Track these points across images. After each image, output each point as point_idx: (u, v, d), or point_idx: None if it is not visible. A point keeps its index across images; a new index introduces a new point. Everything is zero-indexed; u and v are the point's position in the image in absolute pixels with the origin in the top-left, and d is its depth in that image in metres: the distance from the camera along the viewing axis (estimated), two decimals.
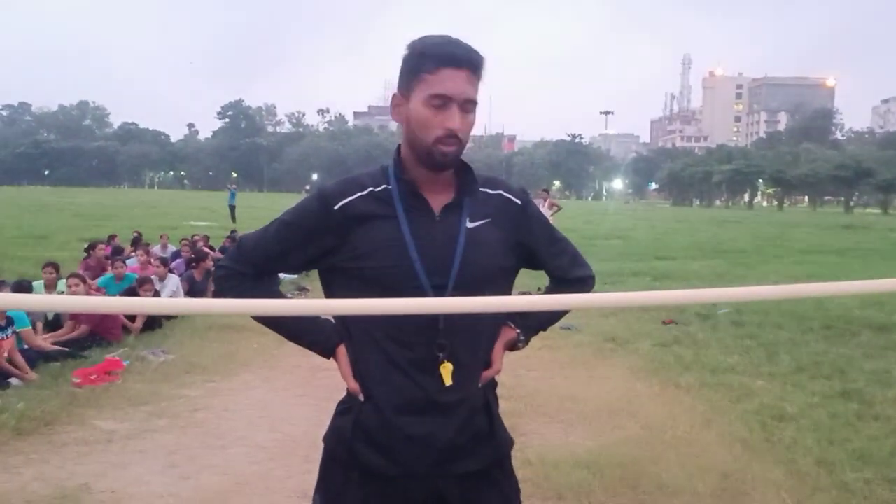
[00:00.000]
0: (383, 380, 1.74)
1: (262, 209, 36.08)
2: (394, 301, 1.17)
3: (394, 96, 1.78)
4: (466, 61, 1.69)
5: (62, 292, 8.03)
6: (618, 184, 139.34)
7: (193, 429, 5.10)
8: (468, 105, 1.70)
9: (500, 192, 1.85)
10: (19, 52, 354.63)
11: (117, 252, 11.20)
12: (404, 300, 1.24)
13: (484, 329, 1.81)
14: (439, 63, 1.67)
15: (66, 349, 6.93)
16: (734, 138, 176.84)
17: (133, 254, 11.33)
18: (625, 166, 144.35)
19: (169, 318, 8.45)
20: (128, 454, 4.60)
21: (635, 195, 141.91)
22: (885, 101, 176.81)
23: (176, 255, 12.60)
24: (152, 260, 10.32)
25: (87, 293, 7.70)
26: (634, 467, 4.32)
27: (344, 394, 1.84)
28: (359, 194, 1.76)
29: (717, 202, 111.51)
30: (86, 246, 12.18)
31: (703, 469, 4.32)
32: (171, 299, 0.94)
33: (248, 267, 1.83)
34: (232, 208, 32.17)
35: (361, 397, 1.76)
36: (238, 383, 6.26)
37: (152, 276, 9.23)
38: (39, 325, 7.65)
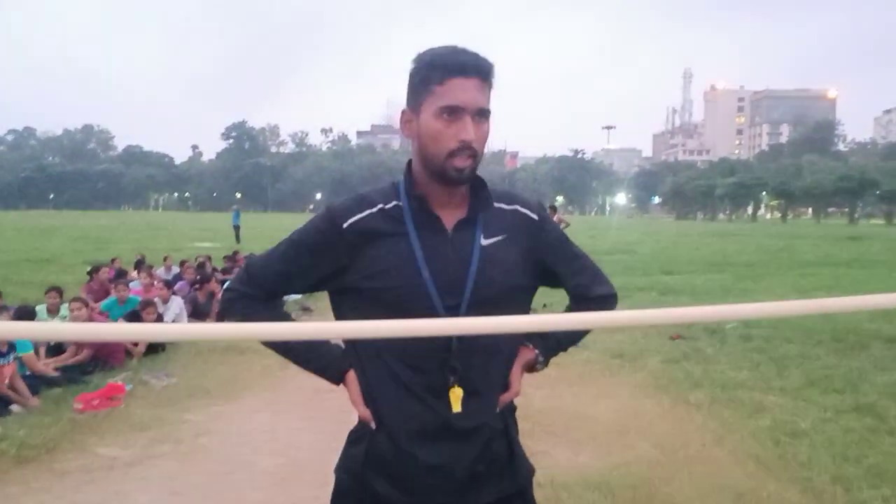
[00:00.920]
0: (396, 406, 1.67)
1: (267, 229, 36.12)
2: (404, 322, 1.10)
3: (403, 112, 1.72)
4: (475, 69, 1.62)
5: (65, 317, 7.98)
6: (621, 198, 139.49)
7: (197, 455, 5.02)
8: (481, 114, 1.63)
9: (516, 206, 1.78)
10: (24, 77, 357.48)
11: (120, 275, 11.15)
12: (415, 321, 1.17)
13: (500, 350, 1.73)
14: (447, 73, 1.61)
15: (69, 374, 6.87)
16: (736, 151, 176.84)
17: (136, 276, 11.29)
18: (627, 181, 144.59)
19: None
20: (130, 482, 4.52)
21: (638, 209, 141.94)
22: (888, 112, 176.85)
23: (178, 276, 12.55)
24: (155, 282, 10.28)
25: (90, 317, 7.64)
26: (646, 488, 4.23)
27: (354, 421, 1.77)
28: (368, 212, 1.69)
29: (721, 215, 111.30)
30: (89, 269, 12.14)
31: (717, 489, 4.23)
32: (176, 325, 0.90)
33: (256, 289, 1.78)
34: (236, 228, 32.20)
35: (373, 425, 1.70)
36: (242, 407, 6.18)
37: (155, 299, 9.19)
38: (42, 350, 7.59)
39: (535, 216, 1.78)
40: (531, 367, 1.81)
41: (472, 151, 1.62)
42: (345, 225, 1.67)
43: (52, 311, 8.35)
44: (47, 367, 7.00)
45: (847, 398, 6.12)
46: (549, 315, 1.52)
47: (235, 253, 16.28)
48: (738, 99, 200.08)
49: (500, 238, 1.71)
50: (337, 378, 1.76)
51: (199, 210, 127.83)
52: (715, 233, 46.47)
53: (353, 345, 1.74)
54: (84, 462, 4.83)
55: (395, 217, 1.69)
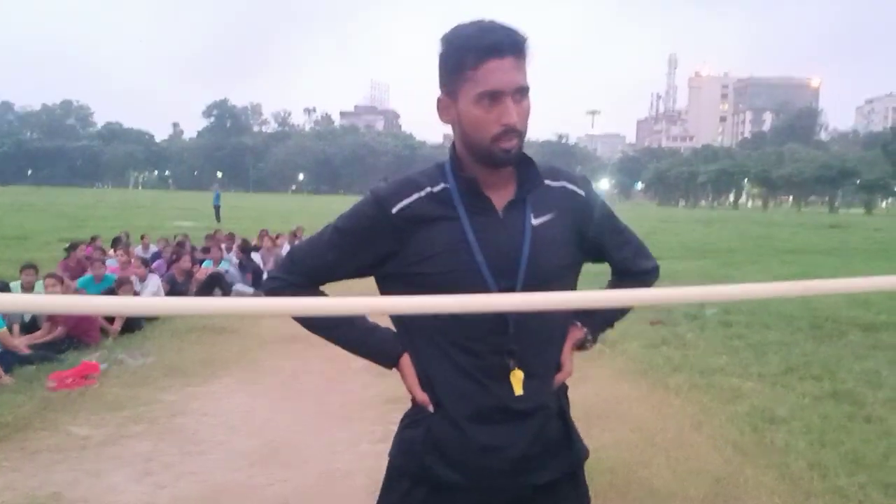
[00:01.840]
0: (453, 389, 1.64)
1: (248, 209, 35.89)
2: (459, 298, 1.03)
3: (439, 100, 1.66)
4: (510, 47, 1.55)
5: (40, 294, 7.86)
6: (604, 184, 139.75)
7: (171, 435, 4.96)
8: (521, 93, 1.57)
9: (564, 183, 1.74)
10: (1, 51, 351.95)
11: (100, 254, 11.00)
12: (469, 297, 1.08)
13: (554, 331, 1.72)
14: (481, 56, 1.54)
15: (42, 352, 6.77)
16: (719, 138, 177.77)
17: (113, 254, 11.14)
18: (611, 166, 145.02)
19: (149, 319, 8.29)
20: (102, 461, 4.45)
21: (621, 195, 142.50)
22: (869, 102, 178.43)
23: (157, 255, 12.42)
24: (133, 260, 10.15)
25: (66, 294, 7.53)
26: (624, 472, 4.22)
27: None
28: (416, 195, 1.64)
29: (703, 202, 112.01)
30: (66, 246, 11.97)
31: (695, 473, 4.23)
32: (244, 299, 0.86)
33: (301, 278, 1.73)
34: (217, 208, 32.02)
35: (431, 408, 1.67)
36: (218, 387, 6.11)
37: (132, 277, 9.07)
38: (16, 328, 7.48)
39: (581, 192, 1.75)
40: (581, 346, 1.80)
41: (517, 133, 1.58)
42: (394, 210, 1.63)
43: (28, 289, 8.21)
44: (21, 345, 6.89)
45: (825, 385, 6.15)
46: (605, 291, 1.51)
47: (216, 232, 16.12)
48: (723, 86, 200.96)
49: (549, 217, 1.68)
50: (392, 362, 1.72)
51: (179, 189, 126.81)
52: (697, 219, 46.78)
53: (407, 329, 1.71)
54: (56, 441, 4.76)
55: (444, 200, 1.64)
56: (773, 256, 19.69)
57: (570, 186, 1.74)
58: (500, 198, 1.66)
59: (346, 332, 1.75)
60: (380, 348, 1.73)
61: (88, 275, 9.32)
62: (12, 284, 8.30)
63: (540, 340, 1.67)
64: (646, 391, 5.97)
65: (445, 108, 1.65)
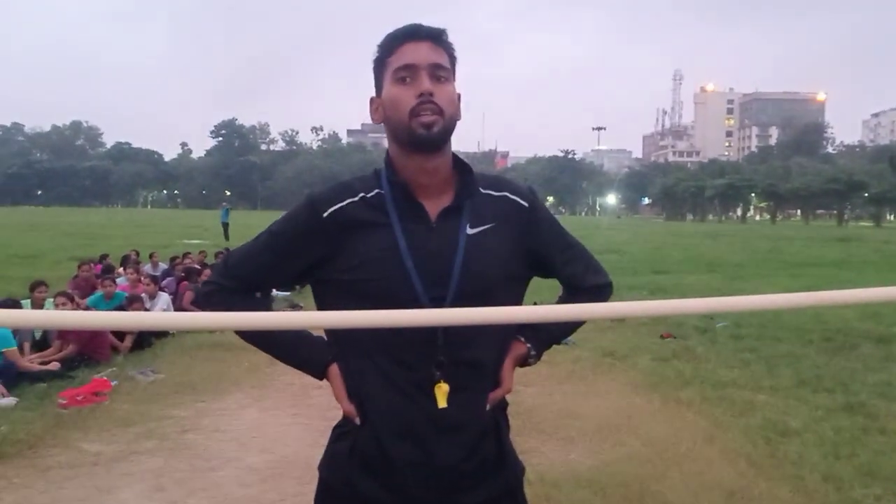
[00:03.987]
0: (381, 401, 1.60)
1: (256, 227, 35.79)
2: (387, 313, 1.05)
3: (371, 100, 1.68)
4: (426, 33, 1.61)
5: None
6: (611, 199, 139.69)
7: (182, 451, 4.95)
8: (438, 71, 1.59)
9: (506, 193, 1.71)
10: (12, 72, 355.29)
11: (108, 271, 11.03)
12: (398, 312, 1.11)
13: (489, 345, 1.65)
14: (397, 42, 1.60)
15: (53, 370, 6.78)
16: (726, 153, 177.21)
17: (123, 272, 11.19)
18: (617, 181, 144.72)
19: (158, 336, 8.31)
20: (113, 478, 4.45)
21: (628, 210, 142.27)
22: (876, 115, 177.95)
23: (167, 273, 12.46)
24: (142, 278, 10.19)
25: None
26: (637, 486, 4.19)
27: (340, 416, 1.71)
28: (350, 200, 1.63)
29: (710, 216, 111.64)
30: (78, 264, 12.02)
31: (708, 487, 4.20)
32: (152, 313, 0.84)
33: (235, 282, 1.71)
34: (225, 226, 32.08)
35: (358, 420, 1.63)
36: (228, 403, 6.11)
37: (142, 295, 9.10)
38: (27, 346, 7.50)
39: (525, 203, 1.71)
40: (523, 362, 1.74)
41: (435, 107, 1.56)
42: (325, 214, 1.62)
43: (38, 306, 8.24)
44: (32, 363, 6.92)
45: (838, 397, 6.11)
46: (538, 306, 1.47)
47: (226, 250, 16.16)
48: (728, 101, 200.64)
49: (487, 226, 1.65)
50: (320, 372, 1.69)
51: (188, 207, 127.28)
52: (705, 234, 46.60)
53: (337, 338, 1.67)
54: (68, 457, 4.76)
55: (376, 206, 1.63)
56: (783, 269, 19.60)
57: (513, 197, 1.71)
58: (435, 205, 1.63)
59: (277, 341, 1.72)
60: (308, 358, 1.70)
61: (99, 292, 9.35)
62: (23, 302, 8.32)
63: (472, 354, 1.61)
64: (658, 405, 5.94)
65: (377, 108, 1.67)
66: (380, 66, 1.64)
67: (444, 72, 1.60)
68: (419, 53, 1.58)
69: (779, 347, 8.29)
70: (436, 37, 1.61)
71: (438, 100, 1.57)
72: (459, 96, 1.65)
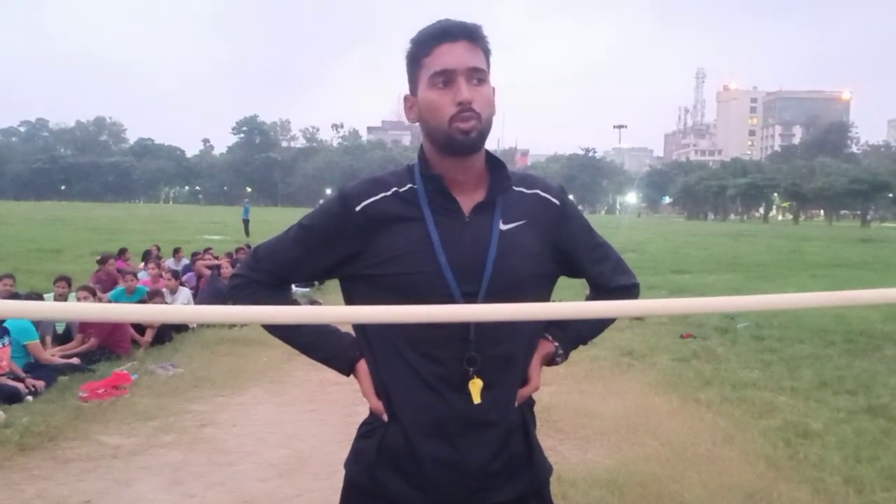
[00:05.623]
0: (409, 398, 1.59)
1: (276, 223, 36.07)
2: (419, 308, 1.03)
3: (405, 99, 1.66)
4: (461, 32, 1.57)
5: None
6: (631, 198, 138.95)
7: (200, 445, 4.99)
8: (475, 75, 1.56)
9: (537, 191, 1.69)
10: (38, 69, 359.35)
11: (130, 266, 11.14)
12: (431, 307, 1.10)
13: (520, 342, 1.64)
14: (432, 42, 1.56)
15: (75, 363, 6.85)
16: (748, 152, 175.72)
17: (144, 267, 11.28)
18: (638, 180, 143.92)
19: (178, 331, 8.37)
20: (132, 470, 4.48)
21: (649, 209, 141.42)
22: None
23: (188, 268, 12.55)
24: (164, 273, 10.27)
25: None
26: (655, 486, 4.16)
27: (360, 415, 1.69)
28: (382, 195, 1.62)
29: (732, 216, 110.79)
30: (98, 258, 12.14)
31: (727, 488, 4.16)
32: (178, 306, 0.84)
33: (264, 275, 1.70)
34: (245, 222, 32.32)
35: (385, 417, 1.62)
36: (247, 398, 6.14)
37: (163, 289, 9.17)
38: (48, 339, 7.57)
39: (556, 201, 1.70)
40: (550, 361, 1.73)
41: (474, 113, 1.55)
42: (357, 208, 1.60)
43: (60, 300, 8.33)
44: (54, 356, 6.99)
45: (859, 399, 6.04)
46: (567, 303, 1.46)
47: (248, 246, 16.26)
48: (751, 100, 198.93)
49: (519, 223, 1.64)
50: (347, 368, 1.68)
51: (209, 203, 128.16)
52: (726, 233, 46.27)
53: (365, 334, 1.65)
54: (87, 450, 4.81)
55: (409, 200, 1.61)
56: (805, 270, 19.41)
57: (545, 195, 1.69)
58: (469, 200, 1.62)
59: (304, 336, 1.70)
60: (335, 353, 1.69)
61: (120, 286, 9.44)
62: (46, 296, 8.40)
63: (503, 350, 1.60)
64: (677, 405, 5.90)
65: (411, 106, 1.65)
66: (414, 65, 1.60)
67: (481, 74, 1.58)
68: (456, 56, 1.55)
69: (800, 348, 8.21)
70: (471, 35, 1.58)
71: (477, 105, 1.55)
72: (494, 90, 1.64)
